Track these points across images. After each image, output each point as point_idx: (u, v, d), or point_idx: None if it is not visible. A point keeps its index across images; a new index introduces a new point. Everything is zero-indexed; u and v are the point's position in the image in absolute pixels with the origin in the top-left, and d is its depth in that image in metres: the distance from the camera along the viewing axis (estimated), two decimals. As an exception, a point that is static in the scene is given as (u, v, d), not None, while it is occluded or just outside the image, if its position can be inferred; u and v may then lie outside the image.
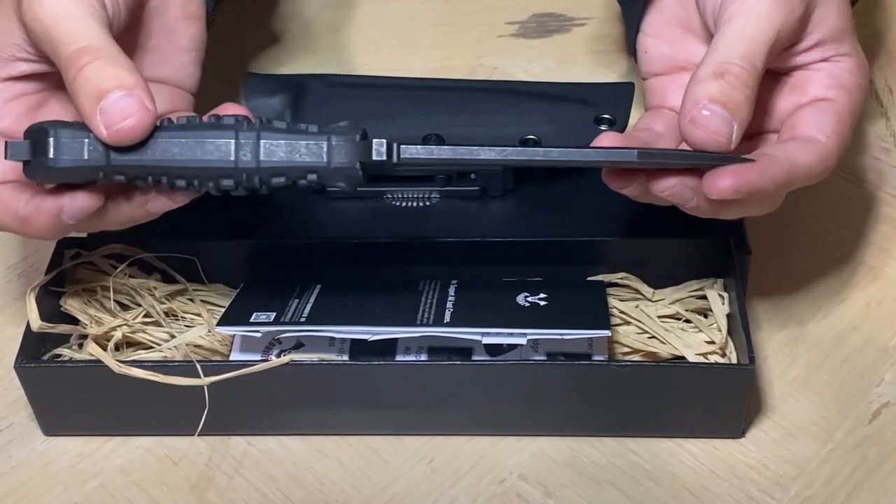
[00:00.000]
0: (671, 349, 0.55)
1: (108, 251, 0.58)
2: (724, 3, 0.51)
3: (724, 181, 0.46)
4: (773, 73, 0.52)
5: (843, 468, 0.54)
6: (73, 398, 0.55)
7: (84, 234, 0.61)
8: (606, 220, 0.59)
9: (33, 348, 0.55)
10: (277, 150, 0.46)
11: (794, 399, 0.57)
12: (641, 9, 0.56)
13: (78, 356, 0.56)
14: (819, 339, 0.59)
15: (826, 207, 0.65)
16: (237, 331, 0.55)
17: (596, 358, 0.54)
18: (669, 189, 0.48)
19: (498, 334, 0.53)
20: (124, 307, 0.58)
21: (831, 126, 0.50)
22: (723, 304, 0.56)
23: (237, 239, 0.59)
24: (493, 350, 0.55)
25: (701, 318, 0.57)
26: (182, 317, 0.58)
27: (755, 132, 0.52)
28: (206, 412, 0.52)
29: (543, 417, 0.55)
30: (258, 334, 0.55)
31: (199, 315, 0.58)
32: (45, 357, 0.56)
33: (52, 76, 0.50)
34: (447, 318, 0.54)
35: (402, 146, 0.48)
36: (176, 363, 0.54)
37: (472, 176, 0.61)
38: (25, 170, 0.47)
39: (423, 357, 0.55)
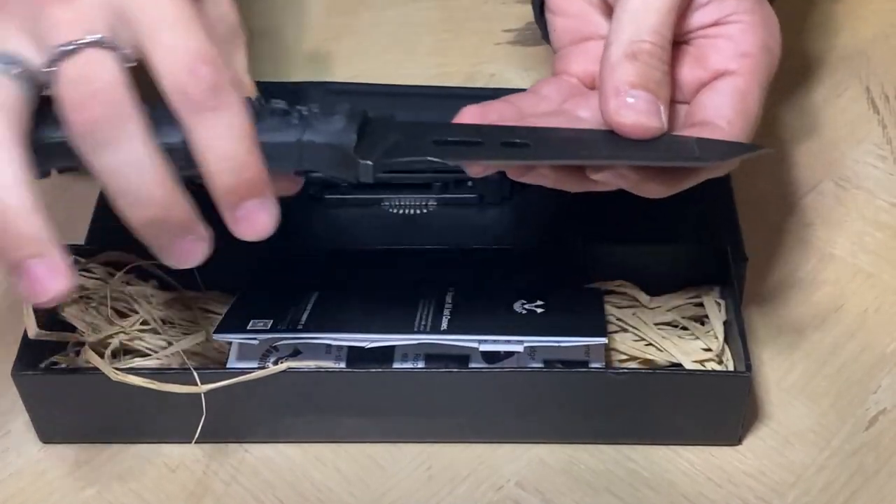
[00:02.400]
0: (668, 356, 0.55)
1: (105, 258, 0.58)
2: None
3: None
4: (674, 44, 0.49)
5: (841, 475, 0.54)
6: (71, 406, 0.55)
7: (81, 242, 0.61)
8: (603, 227, 0.59)
9: (30, 356, 0.55)
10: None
11: (791, 406, 0.57)
12: None
13: (75, 364, 0.56)
14: (816, 346, 0.59)
15: (823, 215, 0.65)
16: (234, 338, 0.55)
17: (593, 365, 0.54)
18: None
19: (495, 342, 0.53)
20: (121, 315, 0.58)
21: (732, 108, 0.48)
22: (719, 311, 0.56)
23: (234, 246, 0.59)
24: (491, 357, 0.55)
25: (698, 325, 0.57)
26: (179, 324, 0.58)
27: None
28: (203, 419, 0.52)
29: (540, 425, 0.55)
30: (255, 342, 0.55)
31: (196, 322, 0.58)
32: (43, 365, 0.56)
33: None
34: (444, 325, 0.54)
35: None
36: (173, 371, 0.54)
37: (469, 183, 0.61)
38: None
39: (421, 364, 0.55)
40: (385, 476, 0.55)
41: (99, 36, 0.42)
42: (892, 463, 0.54)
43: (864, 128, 0.70)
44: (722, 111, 0.48)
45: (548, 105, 0.52)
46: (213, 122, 0.42)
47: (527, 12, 0.79)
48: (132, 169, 0.42)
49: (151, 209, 0.43)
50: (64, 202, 0.67)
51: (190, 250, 0.45)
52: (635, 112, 0.46)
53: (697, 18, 0.50)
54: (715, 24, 0.50)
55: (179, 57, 0.42)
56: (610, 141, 0.46)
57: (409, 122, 0.48)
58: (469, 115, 0.49)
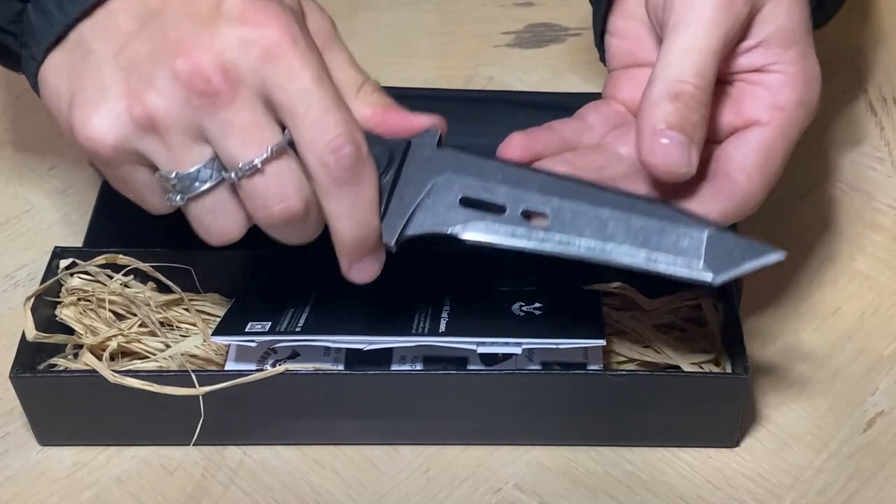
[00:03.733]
0: (666, 359, 0.55)
1: (103, 261, 0.58)
2: (668, 6, 0.50)
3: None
4: (717, 81, 0.50)
5: (838, 477, 0.54)
6: (69, 408, 0.55)
7: (80, 244, 0.61)
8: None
9: (29, 358, 0.55)
10: None
11: (788, 408, 0.57)
12: (605, 8, 0.56)
13: (73, 366, 0.56)
14: (814, 348, 0.59)
15: (820, 217, 0.65)
16: (232, 340, 0.55)
17: (591, 367, 0.54)
18: None
19: (493, 344, 0.53)
20: (120, 317, 0.58)
21: (755, 163, 0.50)
22: (717, 313, 0.56)
23: (232, 248, 0.59)
24: (489, 359, 0.55)
25: (696, 327, 0.57)
26: (177, 326, 0.58)
27: None
28: (201, 422, 0.52)
29: (539, 427, 0.55)
30: (253, 344, 0.55)
31: (194, 325, 0.58)
32: (41, 367, 0.56)
33: None
34: (442, 327, 0.54)
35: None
36: (171, 373, 0.54)
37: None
38: None
39: (419, 366, 0.55)
40: (383, 478, 0.55)
41: (276, 145, 0.45)
42: (890, 465, 0.54)
43: (861, 130, 0.70)
44: (744, 164, 0.50)
45: (591, 136, 0.54)
46: (349, 194, 0.47)
47: (525, 15, 0.79)
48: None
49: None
50: (63, 205, 0.67)
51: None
52: (667, 155, 0.48)
53: (742, 61, 0.51)
54: (758, 70, 0.51)
55: (323, 136, 0.45)
56: (631, 231, 0.47)
57: (449, 152, 0.49)
58: (515, 144, 0.52)
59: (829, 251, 0.64)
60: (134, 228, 0.56)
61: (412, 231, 0.48)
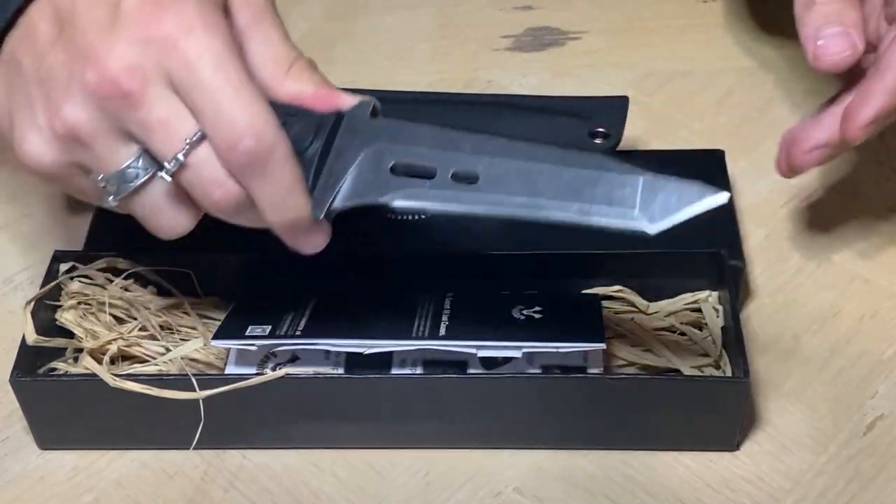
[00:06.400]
0: (666, 362, 0.55)
1: (103, 264, 0.58)
2: None
3: (860, 120, 0.54)
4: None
5: (838, 480, 0.54)
6: (69, 412, 0.55)
7: (80, 248, 0.61)
8: (602, 233, 0.59)
9: (28, 362, 0.55)
10: None
11: (788, 411, 0.57)
12: None
13: (73, 370, 0.56)
14: (813, 351, 0.59)
15: (820, 219, 0.65)
16: (232, 344, 0.55)
17: (591, 371, 0.54)
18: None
19: (493, 347, 0.53)
20: (120, 321, 0.58)
21: None
22: (717, 316, 0.57)
23: (233, 252, 0.59)
24: (489, 363, 0.55)
25: (696, 330, 0.57)
26: (177, 330, 0.58)
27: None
28: (201, 426, 0.52)
29: (539, 430, 0.55)
30: (254, 348, 0.55)
31: (194, 328, 0.58)
32: (41, 371, 0.56)
33: None
34: (442, 331, 0.54)
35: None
36: (171, 377, 0.54)
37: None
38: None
39: (419, 370, 0.55)
40: (383, 482, 0.55)
41: (192, 135, 0.46)
42: (890, 468, 0.54)
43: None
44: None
45: None
46: (260, 183, 0.46)
47: (525, 18, 0.79)
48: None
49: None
50: (63, 208, 0.67)
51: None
52: (828, 52, 0.54)
53: None
54: None
55: (221, 129, 0.45)
56: (562, 185, 0.45)
57: (380, 121, 0.48)
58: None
59: (829, 254, 0.64)
60: (134, 232, 0.56)
61: (341, 203, 0.48)
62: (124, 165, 0.47)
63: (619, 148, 0.63)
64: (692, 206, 0.43)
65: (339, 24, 0.80)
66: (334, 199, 0.47)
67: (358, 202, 0.47)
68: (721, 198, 0.43)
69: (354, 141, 0.47)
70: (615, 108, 0.64)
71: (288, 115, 0.47)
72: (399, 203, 0.47)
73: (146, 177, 0.47)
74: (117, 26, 0.45)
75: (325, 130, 0.48)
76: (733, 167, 0.66)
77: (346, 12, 0.80)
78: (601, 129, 0.63)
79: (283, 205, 0.47)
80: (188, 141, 0.46)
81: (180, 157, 0.46)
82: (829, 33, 0.55)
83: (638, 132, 0.70)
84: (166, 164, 0.46)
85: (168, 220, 0.49)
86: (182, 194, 0.48)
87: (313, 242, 0.49)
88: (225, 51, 0.46)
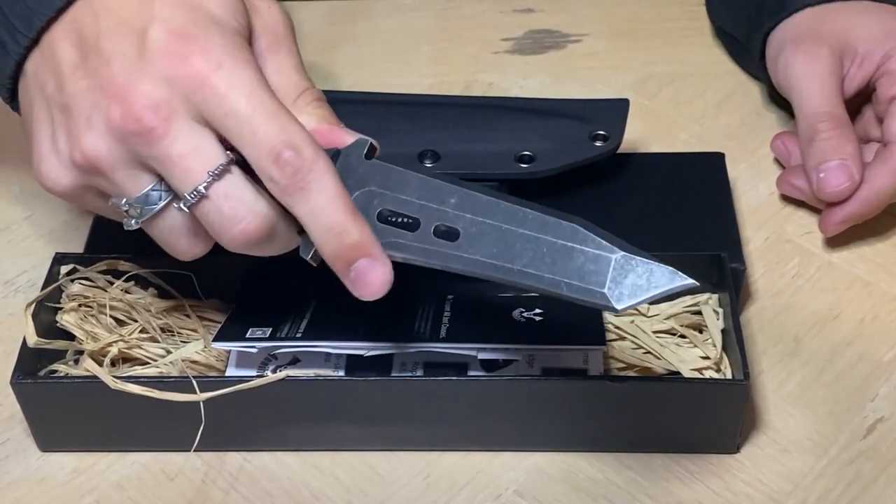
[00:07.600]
0: (666, 364, 0.55)
1: (104, 267, 0.58)
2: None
3: (834, 219, 0.62)
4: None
5: (838, 483, 0.54)
6: (69, 414, 0.55)
7: (80, 250, 0.61)
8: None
9: (29, 364, 0.55)
10: None
11: (788, 414, 0.57)
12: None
13: (74, 372, 0.56)
14: (814, 354, 0.59)
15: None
16: (233, 346, 0.55)
17: (591, 373, 0.54)
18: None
19: (494, 350, 0.53)
20: (120, 323, 0.58)
21: None
22: (717, 319, 0.57)
23: (233, 255, 0.59)
24: (489, 365, 0.55)
25: (696, 333, 0.57)
26: (178, 332, 0.58)
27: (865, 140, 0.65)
28: (202, 428, 0.52)
29: (539, 433, 0.55)
30: (254, 350, 0.55)
31: (195, 331, 0.58)
32: (42, 373, 0.56)
33: None
34: (443, 333, 0.54)
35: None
36: (172, 379, 0.54)
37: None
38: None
39: (419, 372, 0.55)
40: (383, 484, 0.55)
41: (216, 168, 0.46)
42: (890, 471, 0.54)
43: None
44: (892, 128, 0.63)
45: None
46: (305, 199, 0.46)
47: (525, 21, 0.80)
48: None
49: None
50: (64, 210, 0.67)
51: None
52: (829, 185, 0.61)
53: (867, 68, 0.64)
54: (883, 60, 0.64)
55: (262, 149, 0.45)
56: (538, 254, 0.46)
57: (374, 164, 0.48)
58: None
59: (829, 257, 0.64)
60: (135, 234, 0.56)
61: None
62: (146, 190, 0.47)
63: (619, 151, 0.63)
64: (660, 290, 0.45)
65: (340, 27, 0.80)
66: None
67: None
68: (685, 283, 0.45)
69: (347, 182, 0.48)
70: (615, 110, 0.64)
71: None
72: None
73: (168, 198, 0.47)
74: (144, 61, 0.45)
75: None
76: (733, 170, 0.66)
77: (347, 16, 0.80)
78: (601, 132, 0.63)
79: (330, 221, 0.46)
80: (210, 173, 0.46)
81: (201, 188, 0.45)
82: (828, 167, 0.61)
83: (638, 135, 0.70)
84: (186, 195, 0.46)
85: (186, 244, 0.49)
86: (199, 223, 0.48)
87: (372, 280, 0.47)
88: (255, 81, 0.46)
